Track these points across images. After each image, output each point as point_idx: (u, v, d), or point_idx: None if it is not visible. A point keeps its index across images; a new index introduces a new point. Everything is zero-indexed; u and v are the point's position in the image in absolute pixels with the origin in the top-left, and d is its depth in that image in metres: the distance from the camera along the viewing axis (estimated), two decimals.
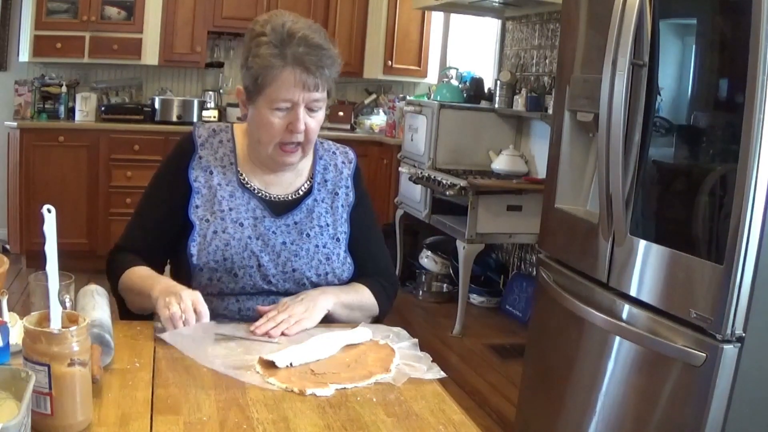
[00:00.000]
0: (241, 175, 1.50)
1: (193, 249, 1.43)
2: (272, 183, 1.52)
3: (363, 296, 1.52)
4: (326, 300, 1.42)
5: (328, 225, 1.52)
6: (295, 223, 1.49)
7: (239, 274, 1.43)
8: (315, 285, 1.50)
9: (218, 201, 1.46)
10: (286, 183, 1.53)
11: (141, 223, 1.52)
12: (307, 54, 1.36)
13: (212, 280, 1.43)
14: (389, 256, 1.69)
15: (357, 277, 1.56)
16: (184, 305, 1.26)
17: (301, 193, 1.54)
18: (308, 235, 1.49)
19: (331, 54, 1.40)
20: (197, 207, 1.46)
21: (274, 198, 1.51)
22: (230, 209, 1.46)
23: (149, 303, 1.33)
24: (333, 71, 1.41)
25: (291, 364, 1.17)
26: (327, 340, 1.27)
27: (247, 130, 1.52)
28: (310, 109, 1.41)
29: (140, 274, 1.42)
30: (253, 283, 1.44)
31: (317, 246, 1.49)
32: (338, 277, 1.52)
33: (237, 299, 1.45)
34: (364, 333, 1.34)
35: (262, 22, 1.42)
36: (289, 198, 1.53)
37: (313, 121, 1.43)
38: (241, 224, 1.45)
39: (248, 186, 1.50)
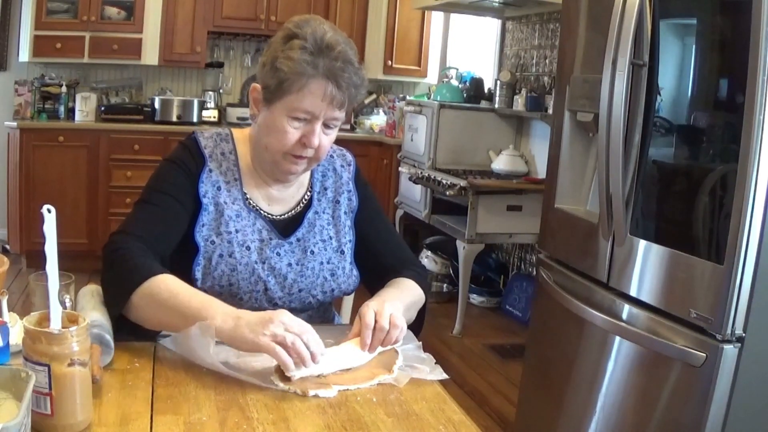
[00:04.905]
0: (246, 194, 1.44)
1: (198, 273, 1.36)
2: (275, 200, 1.47)
3: (415, 292, 1.46)
4: (398, 308, 1.31)
5: (331, 238, 1.49)
6: (298, 240, 1.45)
7: (244, 298, 1.39)
8: (321, 302, 1.48)
9: (225, 221, 1.39)
10: (289, 197, 1.49)
11: (150, 211, 1.36)
12: (342, 70, 1.30)
13: None
14: (405, 243, 1.64)
15: (385, 272, 1.50)
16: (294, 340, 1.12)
17: (302, 206, 1.50)
18: (312, 252, 1.45)
19: (362, 75, 1.36)
20: (203, 226, 1.38)
21: (278, 217, 1.46)
22: (237, 231, 1.39)
23: (186, 324, 1.15)
24: (360, 92, 1.36)
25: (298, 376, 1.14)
26: (339, 353, 1.23)
27: (253, 134, 1.46)
28: (326, 126, 1.36)
29: (183, 290, 1.21)
30: (258, 305, 1.40)
31: (322, 263, 1.46)
32: (344, 291, 1.50)
33: None
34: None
35: (298, 23, 1.35)
36: (292, 214, 1.48)
37: (326, 139, 1.37)
38: (248, 247, 1.39)
39: (253, 206, 1.44)
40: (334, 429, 1.00)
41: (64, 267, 1.00)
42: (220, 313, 1.16)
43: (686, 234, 1.83)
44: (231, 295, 1.38)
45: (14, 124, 4.47)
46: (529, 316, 3.43)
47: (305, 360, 1.12)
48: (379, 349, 1.26)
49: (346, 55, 1.32)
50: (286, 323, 1.14)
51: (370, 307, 1.27)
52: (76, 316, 0.96)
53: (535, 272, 2.52)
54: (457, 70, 4.71)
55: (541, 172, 3.86)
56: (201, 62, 5.05)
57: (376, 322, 1.24)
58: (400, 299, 1.36)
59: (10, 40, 4.81)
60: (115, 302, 1.23)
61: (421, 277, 1.52)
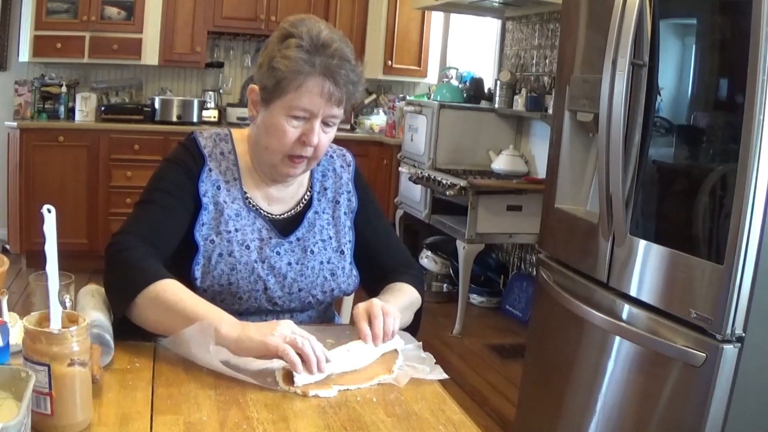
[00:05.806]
0: (246, 193, 1.44)
1: (197, 272, 1.36)
2: (275, 200, 1.47)
3: (411, 295, 1.47)
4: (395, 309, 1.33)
5: (330, 238, 1.49)
6: (298, 239, 1.45)
7: (244, 297, 1.39)
8: (320, 302, 1.48)
9: (225, 220, 1.39)
10: (288, 197, 1.49)
11: (151, 210, 1.36)
12: (339, 67, 1.31)
13: (215, 300, 1.36)
14: (403, 244, 1.64)
15: (383, 274, 1.51)
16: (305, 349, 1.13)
17: (302, 205, 1.50)
18: (312, 252, 1.46)
19: (359, 72, 1.36)
20: (203, 225, 1.38)
21: (278, 217, 1.47)
22: (236, 230, 1.39)
23: (185, 324, 1.16)
24: (357, 89, 1.36)
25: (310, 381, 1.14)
26: (343, 355, 1.22)
27: (252, 135, 1.46)
28: (325, 124, 1.36)
29: (189, 296, 1.22)
30: (258, 305, 1.41)
31: (321, 263, 1.46)
32: (344, 291, 1.50)
33: (240, 317, 1.41)
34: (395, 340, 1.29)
35: (294, 22, 1.35)
36: (292, 214, 1.48)
37: (325, 137, 1.38)
38: (248, 247, 1.40)
39: (252, 205, 1.44)
40: (334, 429, 1.00)
41: (64, 267, 1.00)
42: (226, 320, 1.17)
43: (686, 234, 1.83)
44: (230, 294, 1.38)
45: (14, 124, 4.47)
46: (529, 316, 3.43)
47: (312, 363, 1.12)
48: (382, 349, 1.26)
49: (343, 52, 1.33)
50: (293, 328, 1.16)
51: (360, 307, 1.30)
52: (76, 316, 0.96)
53: (535, 272, 2.52)
54: (457, 70, 4.71)
55: (541, 172, 3.86)
56: (201, 62, 5.05)
57: (369, 314, 1.27)
58: (394, 304, 1.37)
59: (10, 40, 4.81)
60: (120, 304, 1.22)
61: (417, 279, 1.53)
